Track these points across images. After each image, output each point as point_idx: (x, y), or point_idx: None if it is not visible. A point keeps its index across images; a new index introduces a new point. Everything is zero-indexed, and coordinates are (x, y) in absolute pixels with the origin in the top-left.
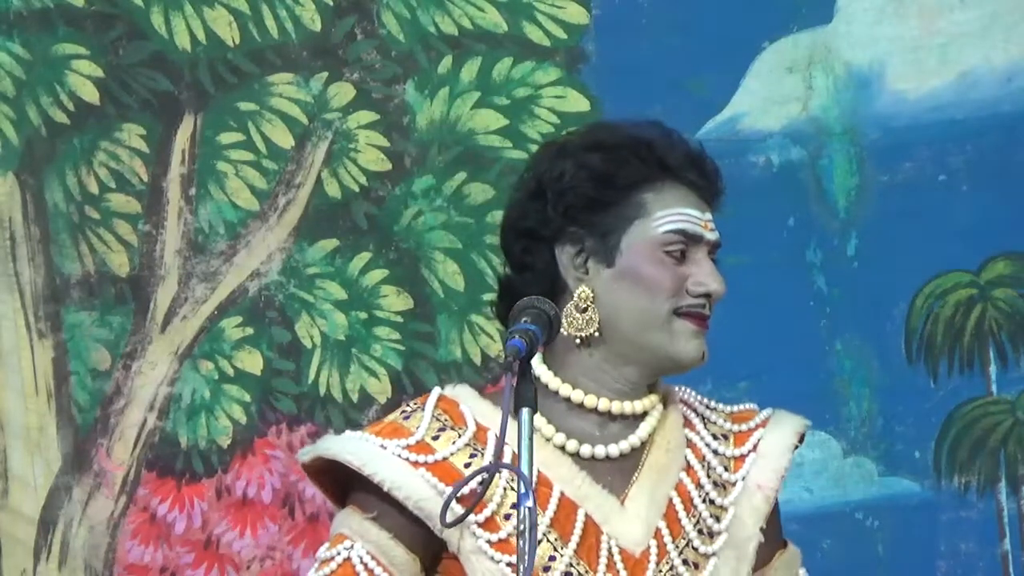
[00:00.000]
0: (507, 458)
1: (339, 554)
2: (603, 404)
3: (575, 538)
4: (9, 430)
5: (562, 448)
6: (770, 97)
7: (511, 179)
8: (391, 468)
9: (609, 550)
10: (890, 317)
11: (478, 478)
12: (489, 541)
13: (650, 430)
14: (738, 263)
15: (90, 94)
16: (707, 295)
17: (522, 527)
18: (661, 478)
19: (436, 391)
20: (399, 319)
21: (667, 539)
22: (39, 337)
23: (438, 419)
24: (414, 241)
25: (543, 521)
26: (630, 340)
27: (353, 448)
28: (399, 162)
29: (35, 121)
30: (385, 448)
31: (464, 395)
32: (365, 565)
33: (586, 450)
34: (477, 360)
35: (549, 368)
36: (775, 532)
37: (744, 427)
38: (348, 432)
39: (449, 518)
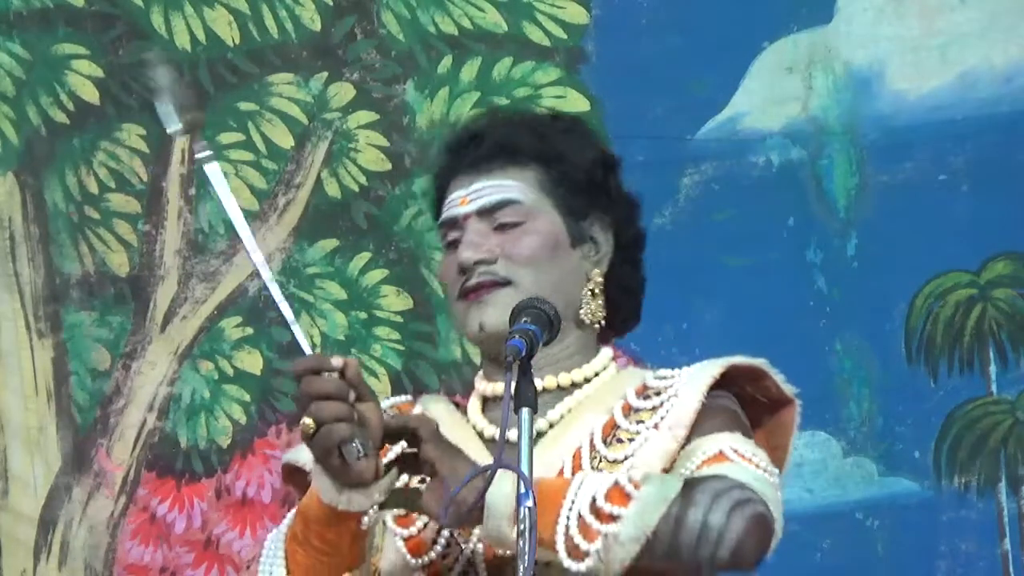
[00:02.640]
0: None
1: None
2: (490, 390)
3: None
4: (9, 430)
5: (477, 433)
6: (770, 97)
7: None
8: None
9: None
10: (890, 317)
11: (477, 478)
12: (393, 516)
13: (562, 412)
14: (738, 263)
15: (90, 94)
16: (463, 266)
17: (522, 527)
18: (556, 451)
19: (405, 396)
20: (399, 319)
21: None
22: (39, 337)
23: (386, 412)
24: (414, 241)
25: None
26: (470, 339)
27: (296, 451)
28: (399, 162)
29: (35, 121)
30: None
31: (433, 406)
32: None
33: (489, 432)
34: (477, 360)
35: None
36: (695, 435)
37: (676, 379)
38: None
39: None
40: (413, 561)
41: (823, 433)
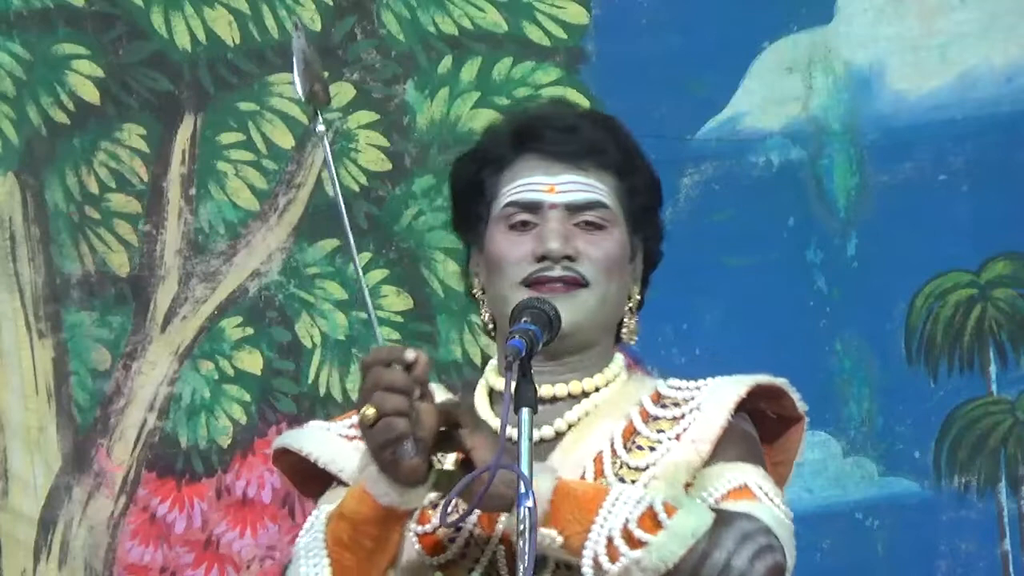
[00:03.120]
0: None
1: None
2: (541, 388)
3: (475, 514)
4: (9, 430)
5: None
6: (770, 97)
7: None
8: (325, 445)
9: (504, 530)
10: (890, 317)
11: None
12: (417, 533)
13: (580, 414)
14: (738, 263)
15: (90, 94)
16: (546, 255)
17: (522, 527)
18: (576, 454)
19: None
20: (399, 319)
21: None
22: (39, 337)
23: None
24: (414, 241)
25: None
26: (503, 326)
27: (293, 435)
28: (399, 162)
29: (35, 121)
30: (329, 430)
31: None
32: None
33: (509, 432)
34: (477, 360)
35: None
36: (716, 460)
37: (696, 391)
38: (310, 422)
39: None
40: (429, 559)
41: (823, 433)
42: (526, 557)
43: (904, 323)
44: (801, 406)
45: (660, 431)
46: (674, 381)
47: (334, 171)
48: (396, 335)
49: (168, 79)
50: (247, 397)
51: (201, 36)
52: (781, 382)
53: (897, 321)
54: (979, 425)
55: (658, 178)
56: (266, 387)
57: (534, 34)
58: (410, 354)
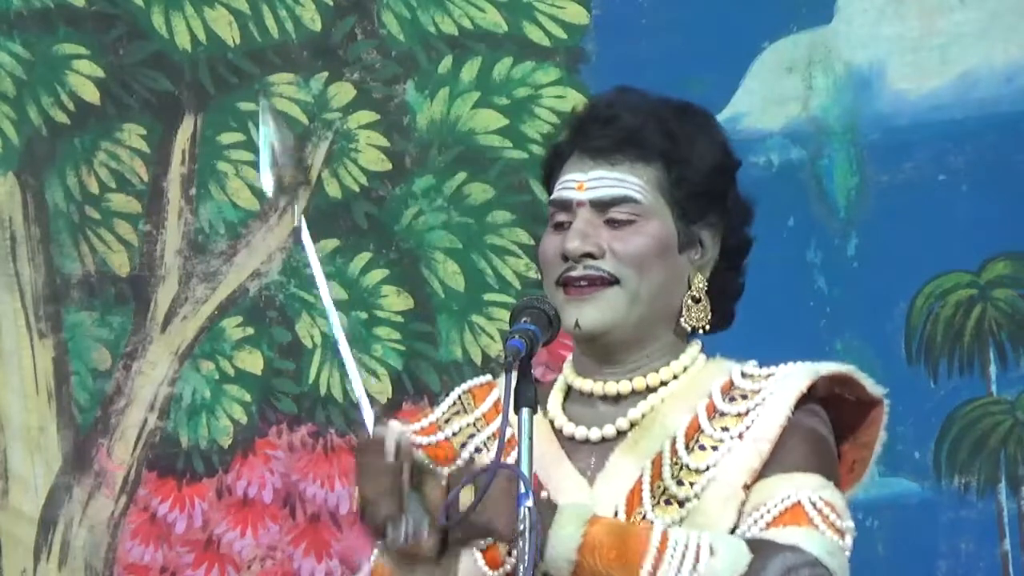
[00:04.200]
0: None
1: (370, 556)
2: (586, 386)
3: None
4: (9, 430)
5: (555, 428)
6: (770, 97)
7: (511, 179)
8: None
9: None
10: (890, 317)
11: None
12: (479, 548)
13: (644, 411)
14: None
15: (90, 94)
16: (568, 256)
17: (522, 527)
18: (636, 454)
19: (485, 377)
20: (399, 319)
21: (621, 517)
22: (39, 337)
23: (460, 401)
24: (414, 241)
25: None
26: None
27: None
28: (399, 162)
29: (35, 121)
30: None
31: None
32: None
33: (569, 429)
34: (477, 360)
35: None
36: (775, 464)
37: (764, 383)
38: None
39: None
40: (491, 573)
41: None
42: (526, 557)
43: (904, 323)
44: (876, 390)
45: (724, 429)
46: (750, 367)
47: (319, 270)
48: (396, 335)
49: (168, 79)
50: (247, 397)
51: (201, 36)
52: (848, 369)
53: (897, 321)
54: (979, 425)
55: (729, 158)
56: (266, 387)
57: (534, 34)
58: (390, 440)
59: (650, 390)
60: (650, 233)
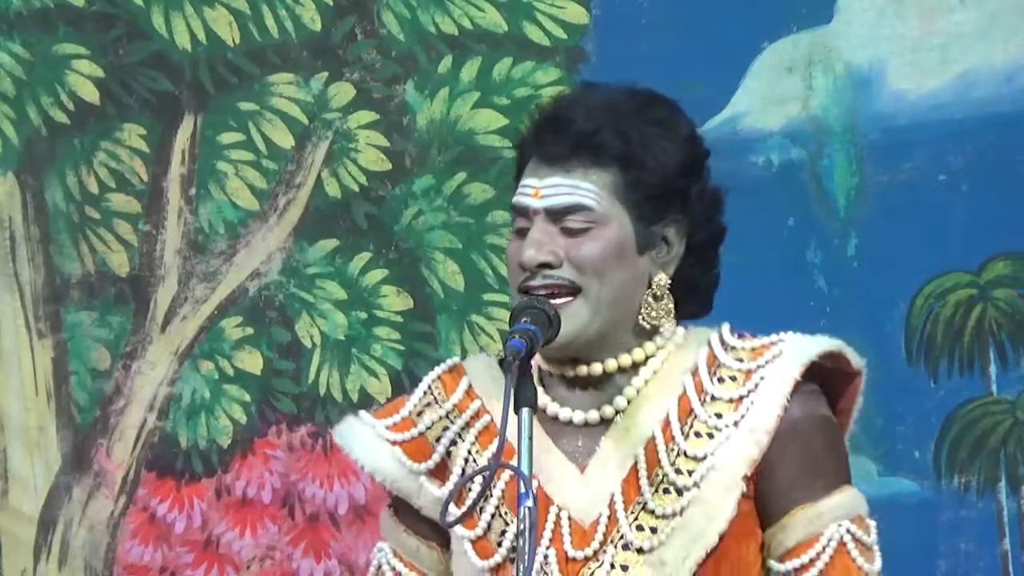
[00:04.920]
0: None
1: (374, 558)
2: (556, 369)
3: (471, 514)
4: (9, 430)
5: (545, 412)
6: (770, 97)
7: (511, 179)
8: (370, 450)
9: (557, 522)
10: (890, 317)
11: (469, 477)
12: (468, 539)
13: (630, 396)
14: (738, 263)
15: (90, 94)
16: (524, 266)
17: (522, 527)
18: (628, 440)
19: (451, 361)
20: (399, 319)
21: (619, 506)
22: (39, 337)
23: (431, 392)
24: (414, 241)
25: (496, 494)
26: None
27: (345, 431)
28: (399, 162)
29: (35, 121)
30: (373, 428)
31: (475, 365)
32: (392, 567)
33: (553, 409)
34: None
35: None
36: (806, 482)
37: (754, 364)
38: (361, 412)
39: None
40: (481, 563)
41: None
42: (526, 557)
43: (904, 323)
44: (859, 362)
45: (719, 415)
46: (730, 336)
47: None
48: (396, 335)
49: (168, 79)
50: (247, 397)
51: (201, 36)
52: (836, 345)
53: (897, 321)
54: (979, 425)
55: (693, 153)
56: (266, 387)
57: (534, 34)
58: None
59: (621, 370)
60: (606, 238)
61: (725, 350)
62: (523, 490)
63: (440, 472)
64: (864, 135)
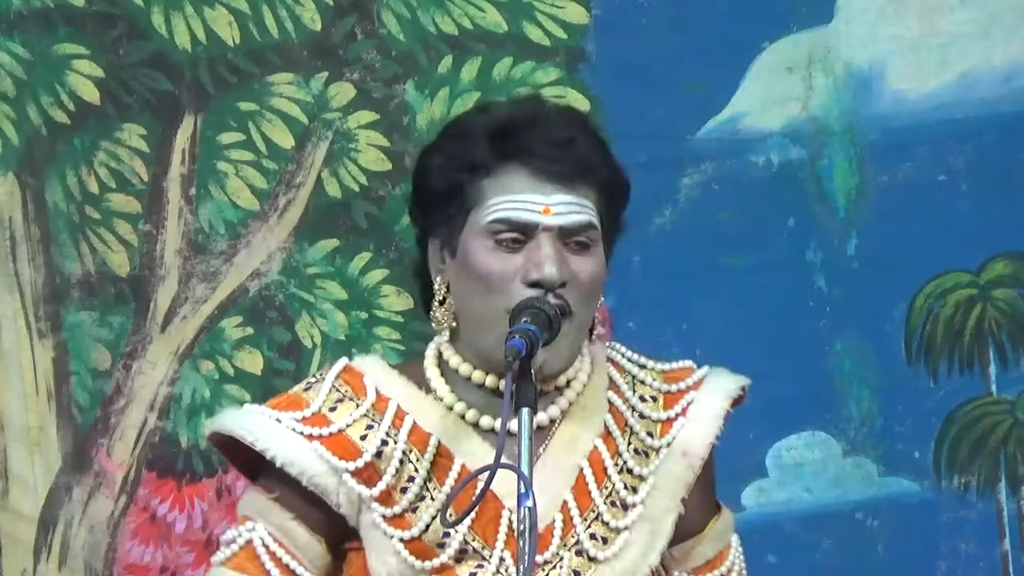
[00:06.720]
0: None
1: (241, 536)
2: (491, 382)
3: (472, 513)
4: (9, 430)
5: (462, 418)
6: (770, 97)
7: None
8: (283, 443)
9: (510, 525)
10: (890, 317)
11: (473, 478)
12: (384, 516)
13: (565, 405)
14: (738, 263)
15: (90, 94)
16: (540, 283)
17: (522, 527)
18: (570, 448)
19: (342, 361)
20: (399, 319)
21: (574, 512)
22: (39, 337)
23: (338, 390)
24: (414, 241)
25: (438, 496)
26: (471, 339)
27: (247, 422)
28: (399, 162)
29: (35, 121)
30: (280, 422)
31: (370, 367)
32: (267, 548)
33: (486, 421)
34: None
35: (452, 343)
36: (708, 500)
37: (675, 388)
38: (247, 405)
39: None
40: (419, 563)
41: (823, 433)
42: (526, 557)
43: (904, 323)
44: (744, 386)
45: (650, 434)
46: (634, 355)
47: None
48: (396, 335)
49: (168, 79)
50: (247, 397)
51: (201, 36)
52: (747, 381)
53: (897, 321)
54: (979, 425)
55: (628, 179)
56: (266, 387)
57: (534, 34)
58: None
59: (557, 390)
60: (599, 261)
61: (637, 367)
62: (523, 490)
63: (366, 472)
64: (864, 135)
